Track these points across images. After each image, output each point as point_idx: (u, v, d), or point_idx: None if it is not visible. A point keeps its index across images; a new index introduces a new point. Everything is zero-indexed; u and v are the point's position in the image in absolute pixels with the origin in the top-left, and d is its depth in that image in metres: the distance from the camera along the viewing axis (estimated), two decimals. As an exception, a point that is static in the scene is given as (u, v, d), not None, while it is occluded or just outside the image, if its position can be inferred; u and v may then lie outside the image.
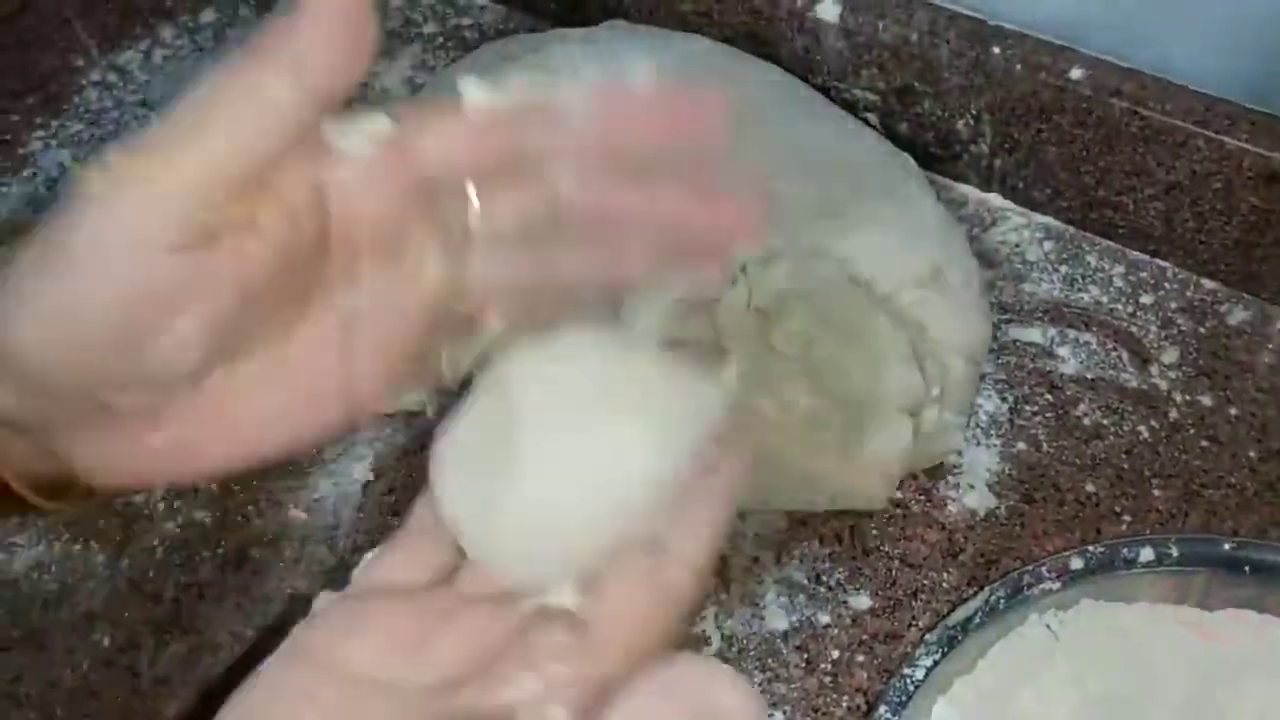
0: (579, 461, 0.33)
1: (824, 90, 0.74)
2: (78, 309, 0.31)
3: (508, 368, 0.35)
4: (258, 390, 0.34)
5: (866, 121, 0.74)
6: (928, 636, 0.57)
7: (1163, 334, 0.67)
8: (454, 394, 0.36)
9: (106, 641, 0.62)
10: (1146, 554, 0.58)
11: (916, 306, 0.62)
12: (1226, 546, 0.58)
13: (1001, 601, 0.57)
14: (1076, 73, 0.66)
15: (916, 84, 0.71)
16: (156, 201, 0.30)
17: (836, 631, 0.59)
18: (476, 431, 0.34)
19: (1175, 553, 0.58)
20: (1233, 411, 0.64)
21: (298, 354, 0.34)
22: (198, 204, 0.30)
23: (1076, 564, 0.58)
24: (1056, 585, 0.57)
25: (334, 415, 0.36)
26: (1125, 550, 0.58)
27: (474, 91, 0.35)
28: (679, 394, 0.35)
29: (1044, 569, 0.58)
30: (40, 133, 0.85)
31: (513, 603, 0.32)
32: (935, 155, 0.74)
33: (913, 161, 0.70)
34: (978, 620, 0.57)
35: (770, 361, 0.60)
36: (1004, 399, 0.66)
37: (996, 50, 0.67)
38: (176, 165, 0.30)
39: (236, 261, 0.31)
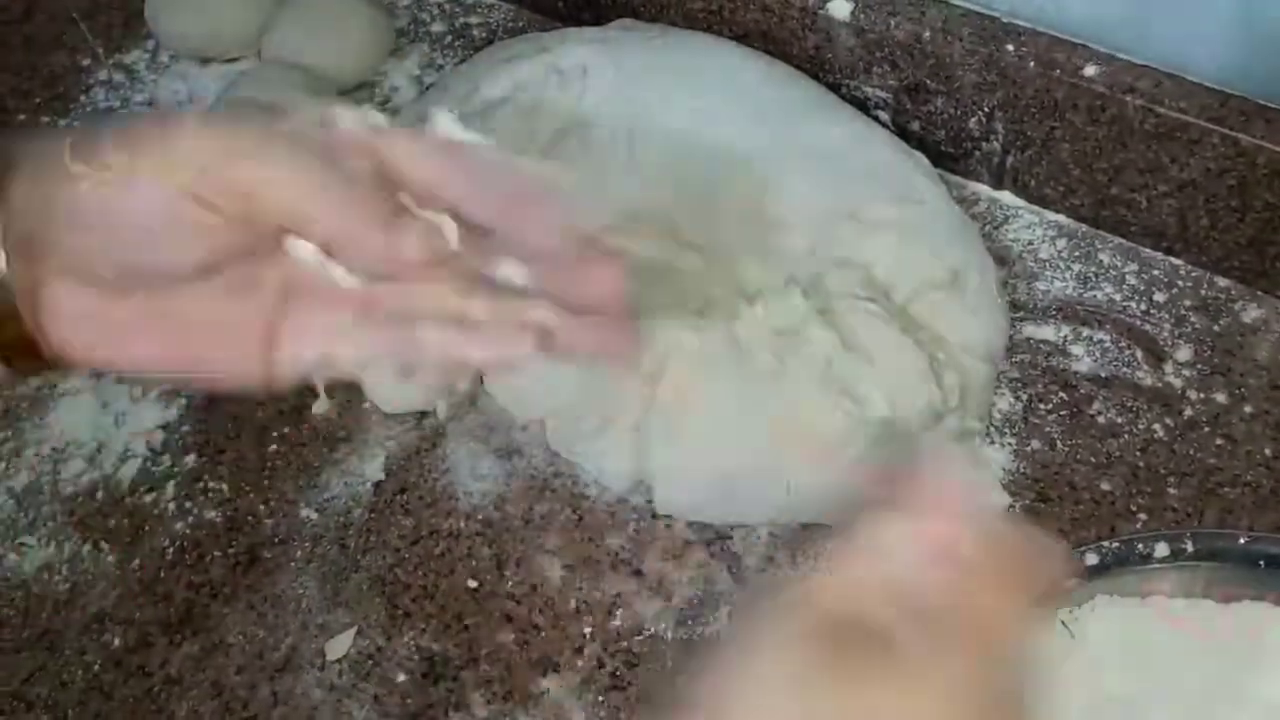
0: None
1: (835, 88, 0.74)
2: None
3: None
4: (204, 314, 0.41)
5: (877, 119, 0.74)
6: (944, 634, 0.57)
7: (1176, 332, 0.67)
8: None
9: (117, 642, 0.62)
10: (1161, 549, 0.58)
11: (935, 312, 0.62)
12: (1242, 541, 0.57)
13: (1017, 599, 0.57)
14: (1090, 69, 0.66)
15: (929, 81, 0.71)
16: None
17: (851, 630, 0.59)
18: None
19: (1190, 548, 0.57)
20: (1247, 409, 0.64)
21: (240, 303, 0.42)
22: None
23: (1091, 559, 0.57)
24: (1071, 581, 0.57)
25: (251, 369, 0.43)
26: (1140, 546, 0.58)
27: (445, 124, 0.42)
28: None
29: (1060, 566, 0.58)
30: (48, 132, 0.85)
31: None
32: (947, 153, 0.74)
33: (926, 161, 0.70)
34: (993, 618, 0.57)
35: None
36: (1018, 397, 0.65)
37: (1010, 47, 0.67)
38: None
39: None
